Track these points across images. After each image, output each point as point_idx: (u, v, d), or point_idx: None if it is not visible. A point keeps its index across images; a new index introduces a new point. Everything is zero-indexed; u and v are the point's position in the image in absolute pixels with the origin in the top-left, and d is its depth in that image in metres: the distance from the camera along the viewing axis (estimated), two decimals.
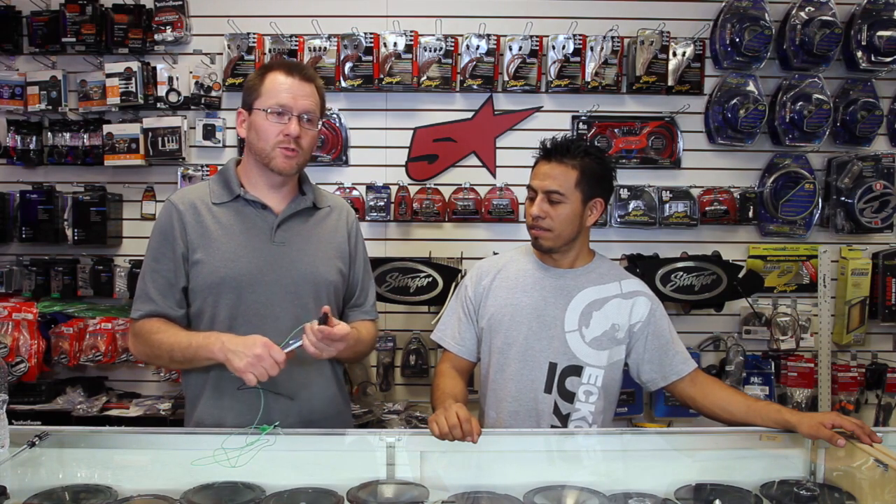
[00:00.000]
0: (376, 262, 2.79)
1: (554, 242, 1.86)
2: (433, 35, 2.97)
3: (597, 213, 1.89)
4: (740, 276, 2.91)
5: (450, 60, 2.98)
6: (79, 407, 2.84)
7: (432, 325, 2.12)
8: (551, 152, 1.84)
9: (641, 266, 2.86)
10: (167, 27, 2.95)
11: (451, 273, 2.86)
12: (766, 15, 2.97)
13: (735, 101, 2.95)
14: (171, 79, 3.00)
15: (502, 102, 3.06)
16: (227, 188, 1.77)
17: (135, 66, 2.94)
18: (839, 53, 3.02)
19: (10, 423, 1.53)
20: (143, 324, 1.71)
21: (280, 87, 1.69)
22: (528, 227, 1.88)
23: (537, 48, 2.99)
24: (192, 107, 3.02)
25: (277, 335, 1.71)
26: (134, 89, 2.94)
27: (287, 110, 1.69)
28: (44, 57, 3.01)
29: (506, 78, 3.00)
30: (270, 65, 1.75)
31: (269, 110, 1.69)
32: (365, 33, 2.97)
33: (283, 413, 1.69)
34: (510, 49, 2.98)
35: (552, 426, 1.87)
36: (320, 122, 1.77)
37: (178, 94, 3.00)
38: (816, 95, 2.96)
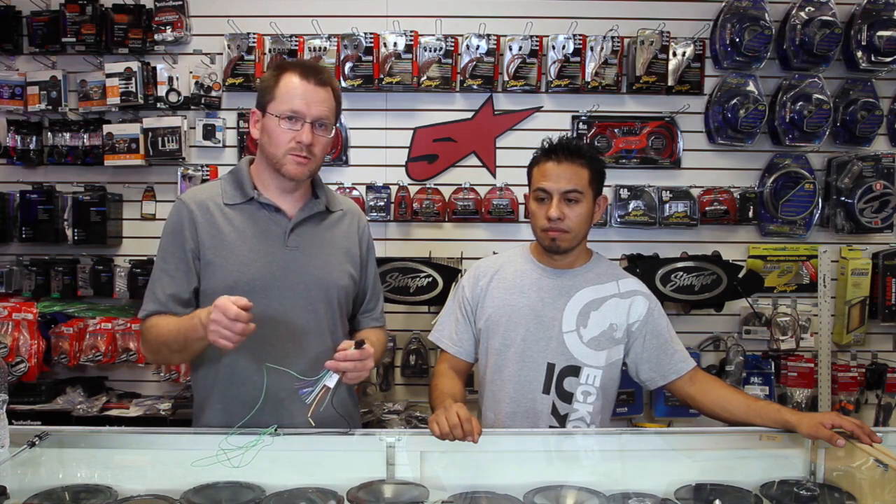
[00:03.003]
0: (376, 262, 2.78)
1: (571, 243, 1.85)
2: (433, 35, 2.97)
3: (601, 209, 1.92)
4: (740, 276, 2.91)
5: (450, 60, 2.98)
6: (79, 407, 2.84)
7: (432, 325, 2.12)
8: (560, 153, 1.83)
9: (641, 266, 2.87)
10: (167, 27, 2.95)
11: (451, 273, 2.86)
12: (766, 15, 2.97)
13: (735, 101, 2.96)
14: (171, 79, 3.00)
15: (502, 102, 3.06)
16: (241, 190, 1.75)
17: (135, 66, 2.94)
18: (839, 53, 3.02)
19: (10, 423, 1.53)
20: (148, 321, 1.70)
21: (294, 92, 1.65)
22: (542, 230, 1.85)
23: (537, 48, 2.99)
24: (192, 107, 3.02)
25: (287, 339, 1.71)
26: (134, 89, 2.94)
27: (300, 117, 1.65)
28: (44, 57, 3.02)
29: (506, 78, 3.00)
30: (286, 65, 1.71)
31: (281, 116, 1.65)
32: (365, 33, 2.97)
33: (293, 415, 1.68)
34: (510, 49, 2.98)
35: (550, 427, 1.87)
36: (334, 129, 1.74)
37: (178, 94, 3.00)
38: (816, 95, 2.96)
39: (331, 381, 1.52)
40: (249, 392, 1.69)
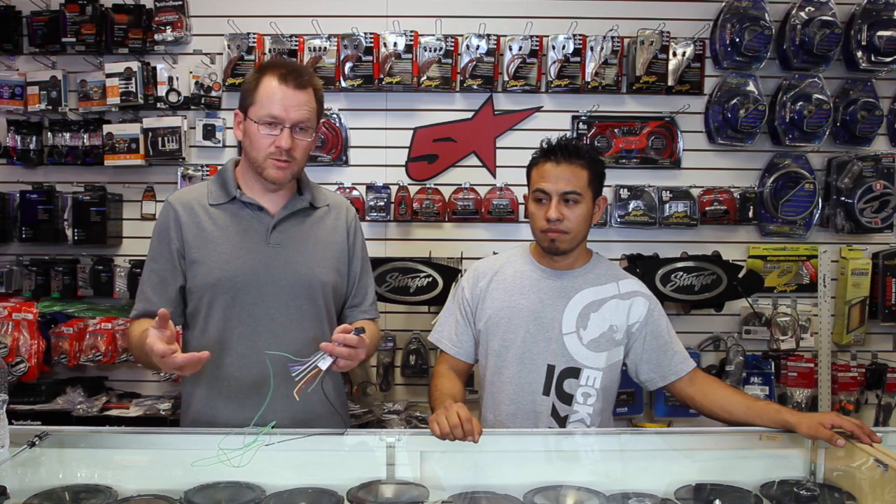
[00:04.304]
0: (376, 262, 2.79)
1: (570, 244, 1.85)
2: (433, 35, 2.97)
3: (601, 210, 1.91)
4: (740, 276, 2.91)
5: (450, 60, 2.98)
6: (79, 407, 2.84)
7: (432, 326, 2.12)
8: (559, 154, 1.82)
9: (641, 266, 2.87)
10: (167, 27, 2.95)
11: (451, 273, 2.86)
12: (766, 15, 2.97)
13: (735, 101, 2.95)
14: (171, 79, 3.00)
15: (502, 102, 3.06)
16: (224, 189, 1.77)
17: (135, 66, 2.94)
18: (839, 53, 3.01)
19: (10, 423, 1.53)
20: (131, 325, 1.75)
21: (273, 96, 1.65)
22: (541, 231, 1.84)
23: (537, 48, 2.99)
24: (192, 107, 3.02)
25: (271, 336, 1.72)
26: (134, 89, 2.94)
27: (279, 122, 1.66)
28: (44, 57, 3.01)
29: (506, 78, 3.00)
30: (267, 66, 1.72)
31: (260, 121, 1.66)
32: (365, 33, 2.97)
33: (278, 412, 1.69)
34: (510, 49, 2.98)
35: (549, 428, 1.86)
36: (314, 133, 1.74)
37: (178, 94, 3.00)
38: (816, 95, 2.96)
39: (323, 363, 1.52)
40: (233, 387, 1.72)
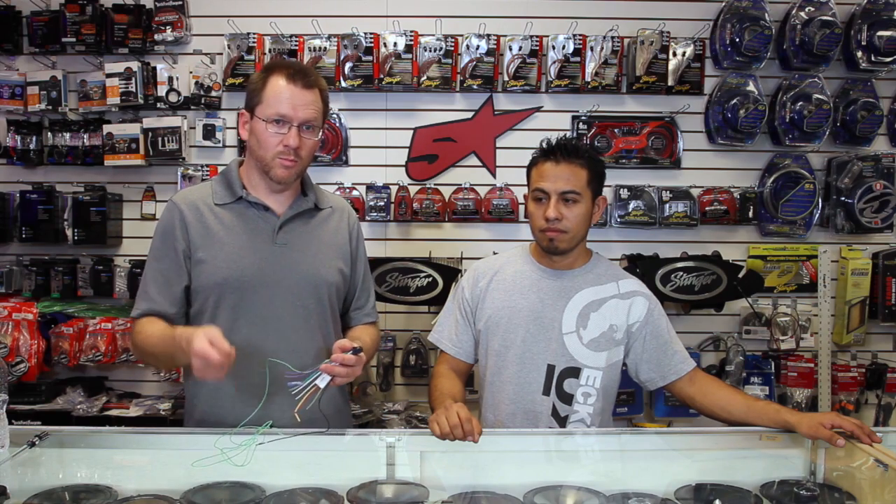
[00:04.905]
0: (376, 262, 2.79)
1: (569, 244, 1.85)
2: (433, 35, 2.97)
3: (601, 210, 1.91)
4: (740, 276, 2.91)
5: (450, 60, 2.98)
6: (79, 407, 2.84)
7: (432, 326, 2.12)
8: (558, 153, 1.83)
9: (641, 266, 2.87)
10: (167, 27, 2.95)
11: (451, 273, 2.86)
12: (766, 15, 2.97)
13: (735, 101, 2.96)
14: (171, 79, 3.00)
15: (502, 102, 3.06)
16: (230, 189, 1.77)
17: (135, 66, 2.94)
18: (839, 53, 3.02)
19: (10, 423, 1.53)
20: (138, 324, 1.73)
21: (281, 95, 1.66)
22: (540, 230, 1.85)
23: (537, 48, 2.99)
24: (192, 107, 3.02)
25: (278, 335, 1.72)
26: (134, 89, 2.94)
27: (287, 120, 1.67)
28: (44, 57, 3.01)
29: (506, 78, 3.00)
30: (274, 66, 1.73)
31: (268, 120, 1.67)
32: (365, 33, 2.97)
33: (280, 411, 1.69)
34: (510, 49, 2.98)
35: (550, 428, 1.86)
36: (320, 132, 1.75)
37: (178, 94, 3.00)
38: (816, 95, 2.96)
39: (322, 381, 1.54)
40: (239, 387, 1.71)
